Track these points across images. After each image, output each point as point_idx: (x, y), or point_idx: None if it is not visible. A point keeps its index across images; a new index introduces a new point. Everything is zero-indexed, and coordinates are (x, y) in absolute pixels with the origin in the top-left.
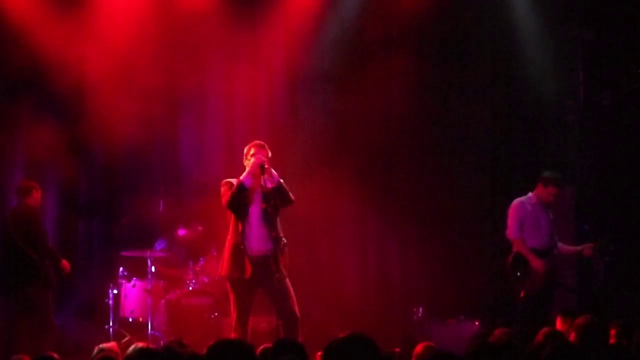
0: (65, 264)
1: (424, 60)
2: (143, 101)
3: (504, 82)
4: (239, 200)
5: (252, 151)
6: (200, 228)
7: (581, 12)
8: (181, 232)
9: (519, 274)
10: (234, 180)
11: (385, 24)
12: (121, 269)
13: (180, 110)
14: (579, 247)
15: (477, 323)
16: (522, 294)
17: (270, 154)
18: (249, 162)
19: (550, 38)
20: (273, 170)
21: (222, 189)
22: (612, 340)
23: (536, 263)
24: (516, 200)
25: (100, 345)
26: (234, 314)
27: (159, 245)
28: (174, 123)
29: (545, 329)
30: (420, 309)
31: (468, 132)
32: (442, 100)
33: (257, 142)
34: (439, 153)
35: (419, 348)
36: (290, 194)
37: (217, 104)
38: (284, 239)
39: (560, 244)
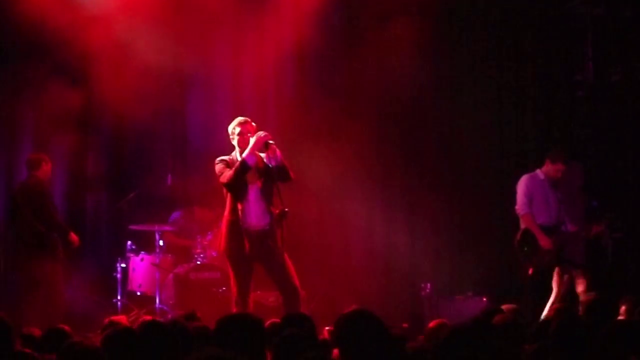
0: (73, 237)
1: (433, 35)
2: (151, 75)
3: (513, 57)
4: (241, 179)
5: (237, 130)
6: (218, 209)
7: None
8: (198, 210)
9: (527, 250)
10: (227, 158)
11: (392, 4)
12: (129, 242)
13: (188, 85)
14: (586, 227)
15: (484, 299)
16: (529, 271)
17: (255, 127)
18: (238, 140)
19: (560, 14)
20: (276, 147)
21: (217, 167)
22: (622, 317)
23: (544, 240)
24: (525, 176)
25: (110, 318)
26: (234, 289)
27: (175, 215)
28: (182, 97)
29: (555, 305)
30: (428, 284)
31: (477, 108)
32: (451, 76)
33: (241, 118)
34: (448, 128)
35: (432, 324)
36: (291, 171)
37: (225, 79)
38: (285, 209)
39: (569, 223)
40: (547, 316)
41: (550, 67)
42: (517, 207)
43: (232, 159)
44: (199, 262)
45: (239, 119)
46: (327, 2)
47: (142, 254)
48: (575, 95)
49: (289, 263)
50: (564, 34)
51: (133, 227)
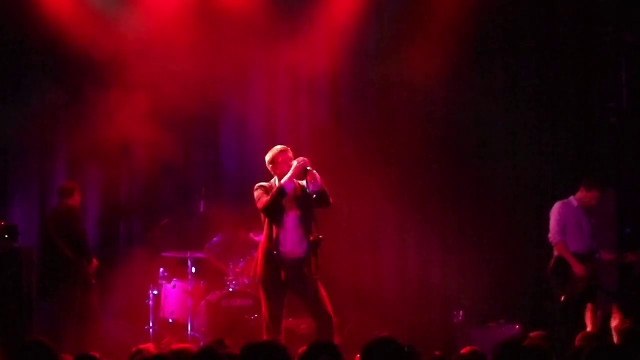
0: (93, 261)
1: (466, 62)
2: (184, 101)
3: (546, 84)
4: (278, 205)
5: (277, 158)
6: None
7: (623, 14)
8: (243, 234)
9: (559, 278)
10: (267, 184)
11: (425, 23)
12: (162, 269)
13: (221, 112)
14: (621, 255)
15: (517, 327)
16: (562, 298)
17: (292, 156)
18: (276, 168)
19: (593, 40)
20: (316, 173)
21: (256, 194)
22: None
23: (578, 268)
24: (558, 203)
25: (138, 347)
26: (265, 316)
27: (216, 239)
28: (215, 124)
29: (582, 333)
30: (461, 312)
31: (510, 135)
32: (485, 102)
33: (280, 147)
34: (481, 156)
35: (463, 352)
36: (330, 197)
37: (258, 105)
38: (320, 236)
39: (602, 251)
40: (578, 345)
41: (584, 94)
42: (550, 235)
43: (272, 185)
44: (231, 290)
45: (279, 147)
46: (358, 25)
47: (175, 281)
48: (609, 122)
49: (323, 291)
50: (597, 60)
51: (165, 254)
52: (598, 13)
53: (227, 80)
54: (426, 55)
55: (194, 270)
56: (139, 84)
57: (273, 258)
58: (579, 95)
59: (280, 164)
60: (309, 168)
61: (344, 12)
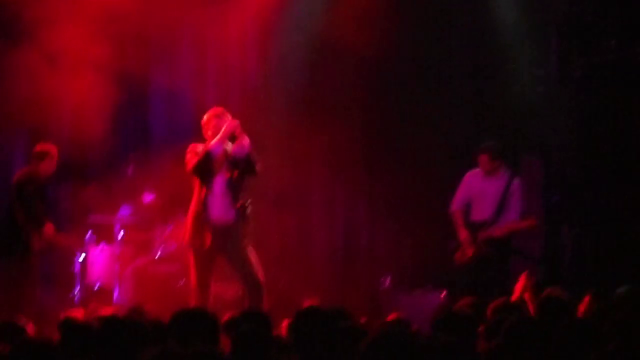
0: (48, 228)
1: (395, 27)
2: (112, 64)
3: (473, 50)
4: (205, 168)
5: (212, 122)
6: (164, 196)
7: None
8: (147, 198)
9: (453, 245)
10: (200, 146)
11: None
12: (89, 234)
13: (150, 75)
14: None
15: (444, 293)
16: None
17: (231, 119)
18: (212, 133)
19: (523, 6)
20: (245, 138)
21: (188, 155)
22: (583, 308)
23: (462, 234)
24: (468, 172)
25: (67, 314)
26: (193, 281)
27: (124, 211)
28: (144, 87)
29: (494, 303)
30: (388, 278)
31: (436, 103)
32: (415, 68)
33: (215, 110)
34: (408, 123)
35: (389, 318)
36: (257, 165)
37: (188, 69)
38: (248, 203)
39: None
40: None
41: (513, 61)
42: None
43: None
44: (158, 255)
45: (215, 111)
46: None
47: (102, 246)
48: (536, 90)
49: (253, 257)
50: (527, 27)
51: (93, 218)
52: None
53: (155, 44)
54: (354, 19)
55: (121, 234)
56: (67, 46)
57: (201, 222)
58: (508, 61)
59: (212, 128)
60: (237, 132)
61: None
